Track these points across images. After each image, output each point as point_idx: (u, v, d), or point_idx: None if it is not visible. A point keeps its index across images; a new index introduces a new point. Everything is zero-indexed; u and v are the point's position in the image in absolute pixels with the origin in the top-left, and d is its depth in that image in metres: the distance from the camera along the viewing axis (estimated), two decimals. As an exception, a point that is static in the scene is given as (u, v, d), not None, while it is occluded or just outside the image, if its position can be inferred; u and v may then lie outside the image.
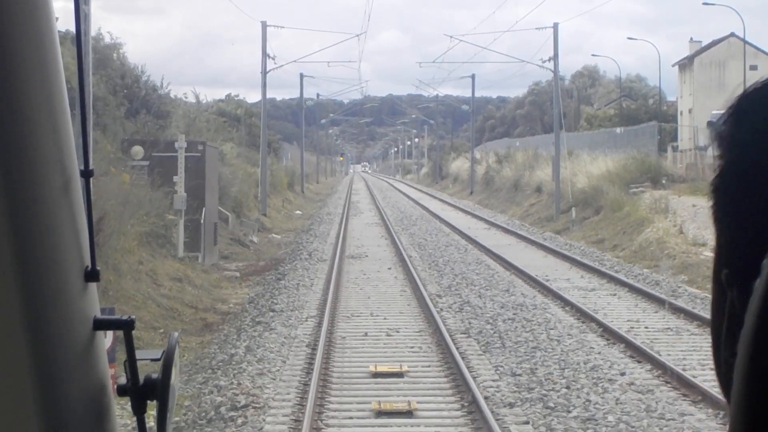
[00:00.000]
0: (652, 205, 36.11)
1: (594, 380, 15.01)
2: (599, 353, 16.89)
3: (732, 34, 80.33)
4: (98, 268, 1.52)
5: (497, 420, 12.54)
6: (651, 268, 27.98)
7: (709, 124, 47.08)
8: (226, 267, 28.92)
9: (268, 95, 52.79)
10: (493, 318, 20.14)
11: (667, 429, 12.62)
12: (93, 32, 31.18)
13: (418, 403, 13.45)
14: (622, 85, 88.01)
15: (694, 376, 14.67)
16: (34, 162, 1.36)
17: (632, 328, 19.03)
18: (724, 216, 0.94)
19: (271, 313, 20.89)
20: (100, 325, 1.53)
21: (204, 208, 28.36)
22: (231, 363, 16.27)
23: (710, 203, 0.97)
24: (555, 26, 47.21)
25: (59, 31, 1.53)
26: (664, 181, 42.89)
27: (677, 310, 20.50)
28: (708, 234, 29.64)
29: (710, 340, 0.99)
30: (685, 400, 13.85)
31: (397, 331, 18.77)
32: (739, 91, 0.97)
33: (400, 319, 20.05)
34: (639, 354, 16.56)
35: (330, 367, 15.75)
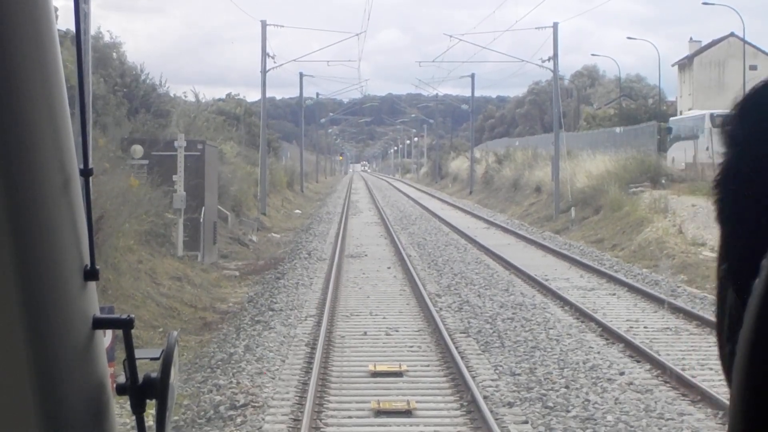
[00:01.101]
0: (652, 204, 36.10)
1: (593, 380, 15.01)
2: (598, 353, 16.89)
3: (732, 34, 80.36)
4: (97, 266, 1.52)
5: (496, 420, 12.54)
6: (650, 268, 27.98)
7: (712, 118, 46.85)
8: (225, 266, 28.90)
9: (268, 94, 52.79)
10: (493, 317, 20.14)
11: (666, 429, 12.62)
12: (92, 31, 31.17)
13: (417, 402, 13.44)
14: (621, 84, 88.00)
15: (693, 376, 14.67)
16: (34, 161, 1.36)
17: (631, 327, 19.02)
18: (725, 213, 0.95)
19: (271, 312, 20.89)
20: (100, 324, 1.53)
21: (203, 207, 28.35)
22: (230, 362, 16.27)
23: (714, 199, 0.97)
24: (555, 26, 47.21)
25: (58, 30, 1.53)
26: (663, 181, 42.86)
27: (676, 310, 20.49)
28: (707, 234, 29.64)
29: (715, 334, 0.99)
30: (684, 399, 13.85)
31: (397, 331, 18.76)
32: (744, 90, 0.97)
33: (399, 319, 20.04)
34: (638, 354, 16.56)
35: (329, 366, 15.74)
